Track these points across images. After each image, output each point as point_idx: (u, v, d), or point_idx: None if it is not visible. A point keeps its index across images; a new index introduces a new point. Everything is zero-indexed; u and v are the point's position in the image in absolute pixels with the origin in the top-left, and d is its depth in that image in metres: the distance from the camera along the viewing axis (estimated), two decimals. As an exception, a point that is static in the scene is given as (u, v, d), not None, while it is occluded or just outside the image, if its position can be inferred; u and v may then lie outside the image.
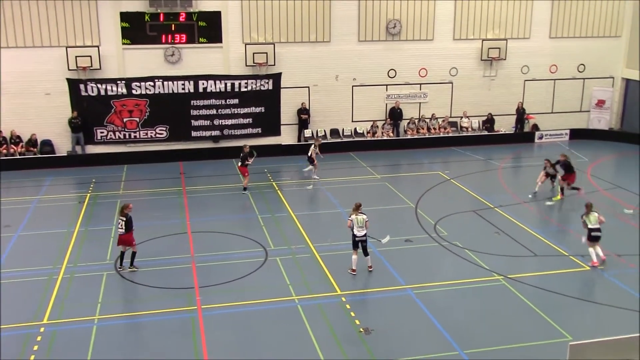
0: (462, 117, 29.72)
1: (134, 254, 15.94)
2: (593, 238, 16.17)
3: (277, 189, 22.96)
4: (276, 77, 27.23)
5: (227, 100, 26.89)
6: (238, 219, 19.88)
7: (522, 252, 17.32)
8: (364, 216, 15.68)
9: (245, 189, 22.16)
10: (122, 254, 16.06)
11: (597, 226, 16.11)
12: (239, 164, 22.34)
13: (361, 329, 13.24)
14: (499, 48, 29.23)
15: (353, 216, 15.67)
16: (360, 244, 15.65)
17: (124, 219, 15.57)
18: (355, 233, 15.58)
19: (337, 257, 16.80)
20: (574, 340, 11.43)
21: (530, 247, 17.59)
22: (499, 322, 13.72)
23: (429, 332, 13.24)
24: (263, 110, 27.41)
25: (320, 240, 17.90)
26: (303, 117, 27.89)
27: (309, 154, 23.77)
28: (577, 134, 30.57)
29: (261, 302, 14.38)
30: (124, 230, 15.59)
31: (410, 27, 28.40)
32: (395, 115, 28.87)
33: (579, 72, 30.72)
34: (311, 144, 24.11)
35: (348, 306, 14.25)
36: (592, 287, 15.45)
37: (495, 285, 15.41)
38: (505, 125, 30.20)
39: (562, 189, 21.52)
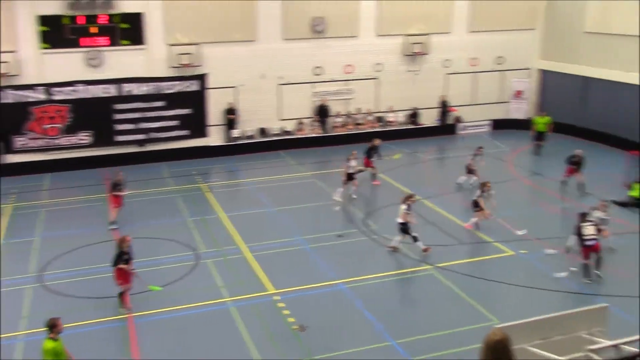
0: (388, 112, 30.21)
1: (119, 294, 14.10)
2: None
3: (206, 190, 22.73)
4: (202, 78, 26.92)
5: (153, 103, 26.35)
6: (166, 224, 19.55)
7: (449, 241, 17.79)
8: (404, 207, 16.73)
9: (113, 222, 18.97)
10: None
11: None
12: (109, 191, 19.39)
13: (295, 327, 13.30)
14: (421, 43, 29.86)
15: (401, 204, 16.87)
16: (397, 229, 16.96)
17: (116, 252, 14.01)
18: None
19: (269, 256, 16.82)
20: (500, 322, 11.83)
21: (457, 236, 18.08)
22: (429, 310, 14.08)
23: (362, 325, 13.45)
24: (190, 112, 27.05)
25: (251, 241, 17.85)
26: (231, 117, 27.71)
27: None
28: (499, 124, 31.58)
29: (193, 306, 14.23)
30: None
31: (335, 24, 28.63)
32: (322, 112, 29.07)
33: (498, 64, 31.74)
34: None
35: (281, 304, 14.29)
36: (516, 271, 16.03)
37: (425, 274, 15.80)
38: (429, 118, 30.90)
39: (374, 175, 22.66)
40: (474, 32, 30.82)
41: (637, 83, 26.13)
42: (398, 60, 30.01)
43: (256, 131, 28.51)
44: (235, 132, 27.93)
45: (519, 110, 32.09)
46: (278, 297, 14.63)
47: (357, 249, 17.44)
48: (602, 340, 9.42)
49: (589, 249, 14.98)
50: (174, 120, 26.88)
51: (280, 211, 20.33)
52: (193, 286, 15.24)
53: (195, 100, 27.02)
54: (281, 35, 28.02)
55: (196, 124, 27.25)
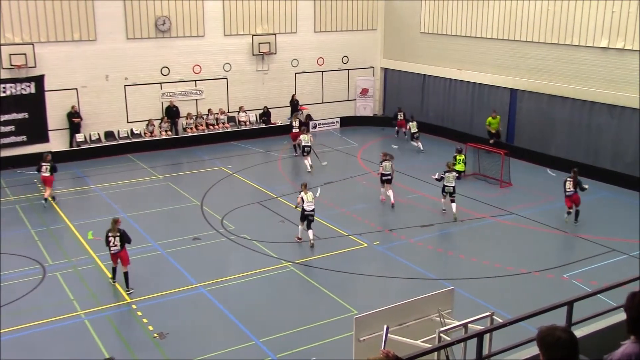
0: (239, 112, 30.18)
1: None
2: (385, 181, 20.62)
3: (50, 199, 21.35)
4: (38, 80, 25.23)
5: (-18, 108, 24.31)
6: (7, 236, 18.12)
7: (306, 236, 18.12)
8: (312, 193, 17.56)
9: (47, 199, 20.70)
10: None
11: (389, 172, 20.48)
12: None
13: (155, 335, 12.94)
14: (269, 43, 30.12)
15: (302, 193, 17.31)
16: (307, 218, 17.29)
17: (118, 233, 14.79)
18: (305, 208, 17.27)
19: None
20: (358, 313, 12.29)
21: (314, 231, 18.47)
22: (290, 306, 14.29)
23: (225, 327, 13.37)
24: (27, 116, 25.26)
25: (103, 250, 17.02)
26: (75, 120, 26.22)
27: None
28: (347, 122, 32.72)
29: (44, 323, 13.36)
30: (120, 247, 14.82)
31: (180, 23, 28.08)
32: (171, 113, 28.40)
33: (344, 63, 32.82)
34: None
35: (140, 313, 13.83)
36: (371, 261, 16.73)
37: (285, 271, 16.00)
38: (281, 117, 31.29)
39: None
40: (319, 32, 31.63)
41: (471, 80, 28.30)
42: (247, 60, 30.06)
43: (102, 134, 27.24)
44: (80, 136, 26.49)
45: (365, 108, 33.44)
46: (135, 306, 14.14)
47: (215, 250, 17.28)
48: (452, 321, 10.14)
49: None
50: (9, 125, 24.99)
51: (133, 217, 19.61)
52: (42, 301, 14.30)
53: (32, 104, 25.29)
54: (124, 34, 27.00)
55: (34, 129, 25.52)
